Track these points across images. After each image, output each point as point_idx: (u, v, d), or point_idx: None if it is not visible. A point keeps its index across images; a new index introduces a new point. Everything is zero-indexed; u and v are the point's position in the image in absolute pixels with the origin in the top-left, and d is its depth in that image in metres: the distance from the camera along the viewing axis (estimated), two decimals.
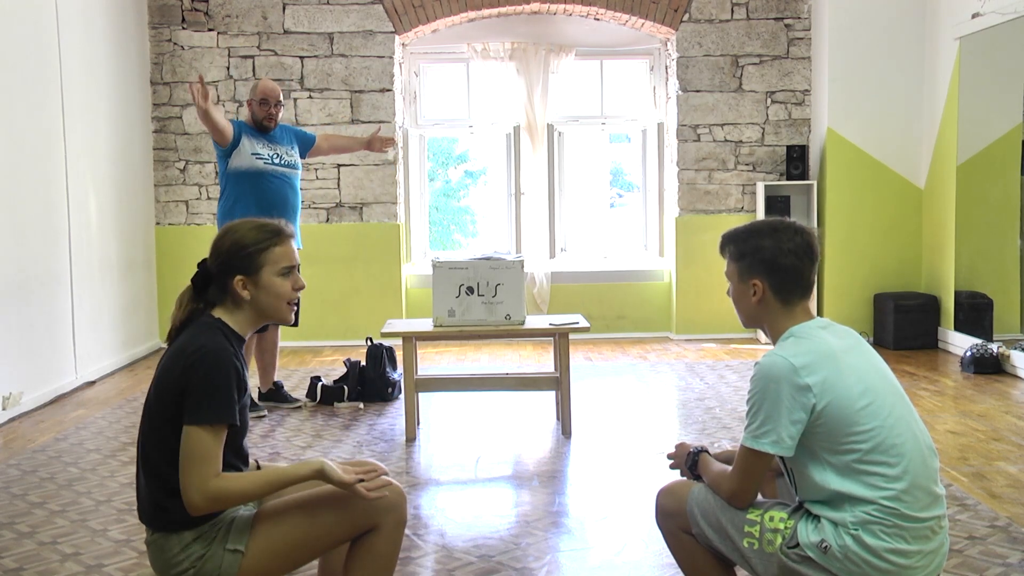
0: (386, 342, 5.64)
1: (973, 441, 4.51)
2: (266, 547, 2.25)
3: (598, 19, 7.82)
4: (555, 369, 4.91)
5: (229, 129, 5.06)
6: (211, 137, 5.17)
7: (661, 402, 5.60)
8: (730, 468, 2.27)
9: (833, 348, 2.19)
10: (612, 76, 8.12)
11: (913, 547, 2.08)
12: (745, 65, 7.66)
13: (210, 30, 7.55)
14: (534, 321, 4.89)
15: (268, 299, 2.35)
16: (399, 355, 5.38)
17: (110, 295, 6.71)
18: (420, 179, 8.08)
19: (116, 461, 4.39)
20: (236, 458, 2.30)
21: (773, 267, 2.26)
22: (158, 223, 7.65)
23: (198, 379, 2.17)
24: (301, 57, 7.59)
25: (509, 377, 5.17)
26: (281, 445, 4.65)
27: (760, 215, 7.48)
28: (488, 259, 4.68)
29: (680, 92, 7.68)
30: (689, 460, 2.44)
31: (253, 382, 5.45)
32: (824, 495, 2.14)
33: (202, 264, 2.37)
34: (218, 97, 7.53)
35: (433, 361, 6.94)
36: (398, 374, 5.65)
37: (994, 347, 6.12)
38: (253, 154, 5.13)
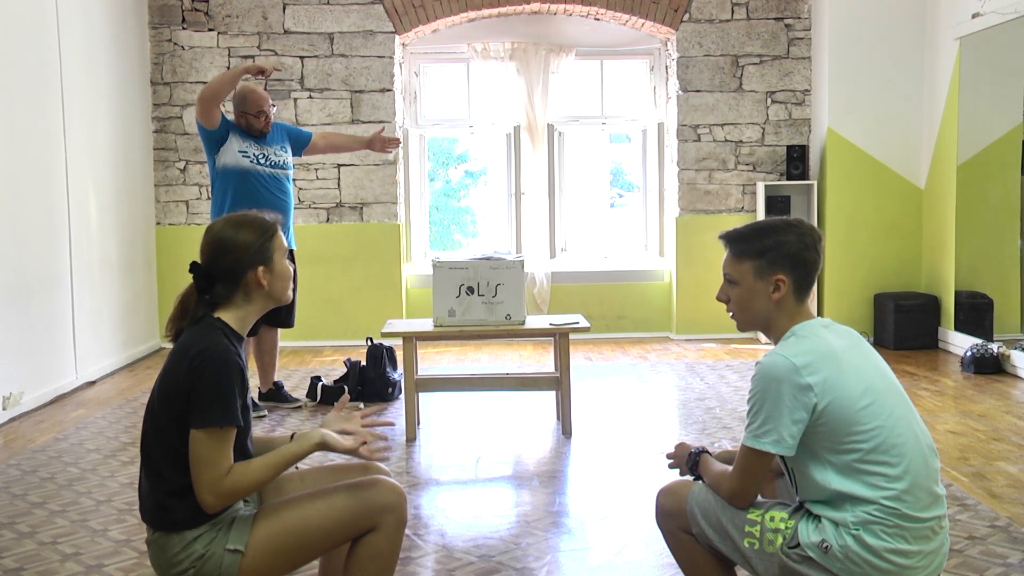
0: (386, 342, 5.64)
1: (973, 441, 4.51)
2: (266, 547, 2.25)
3: (598, 19, 7.83)
4: (555, 369, 4.91)
5: (216, 110, 5.02)
6: (199, 118, 5.07)
7: (661, 402, 5.59)
8: (731, 468, 2.27)
9: (834, 348, 2.19)
10: (612, 76, 8.12)
11: (914, 547, 2.08)
12: (745, 65, 7.66)
13: (210, 30, 7.56)
14: (534, 321, 4.89)
15: (280, 283, 2.41)
16: (399, 355, 5.38)
17: (110, 295, 6.71)
18: (420, 179, 8.08)
19: (116, 461, 4.39)
20: (242, 457, 2.31)
21: (798, 261, 2.26)
22: (158, 223, 7.65)
23: (204, 382, 2.18)
24: (301, 57, 7.59)
25: (509, 377, 5.17)
26: None
27: (760, 215, 7.48)
28: (488, 259, 4.68)
29: (680, 92, 7.68)
30: (690, 460, 2.43)
31: (253, 382, 5.45)
32: (825, 495, 2.14)
33: (199, 266, 2.36)
34: None
35: (433, 361, 6.94)
36: (398, 374, 5.65)
37: (994, 347, 6.12)
38: (240, 151, 5.09)
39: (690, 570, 2.40)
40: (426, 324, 4.83)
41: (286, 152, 5.29)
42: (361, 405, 5.47)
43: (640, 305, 7.95)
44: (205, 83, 7.50)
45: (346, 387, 5.53)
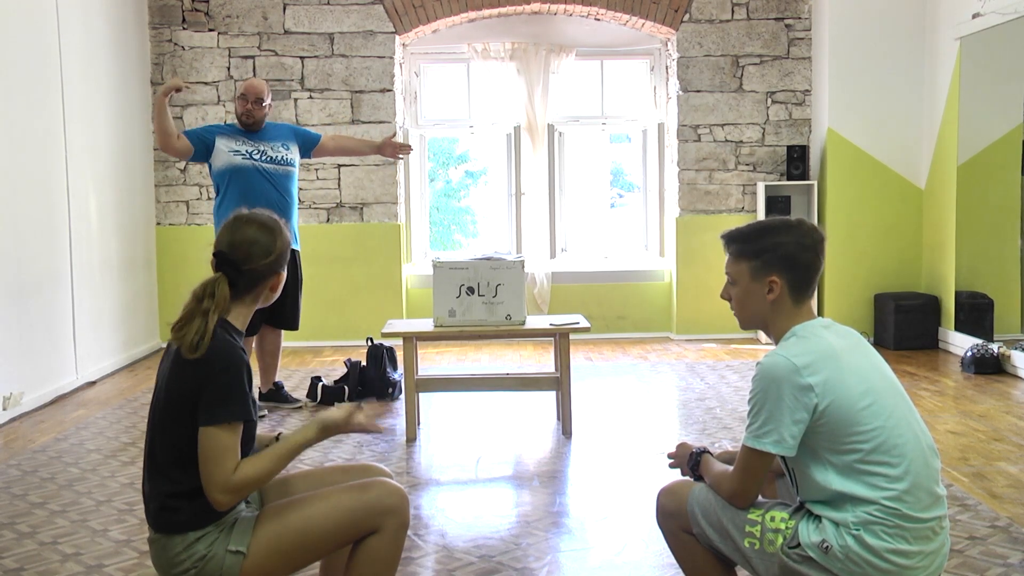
0: (386, 342, 5.64)
1: (974, 441, 4.51)
2: (268, 549, 2.25)
3: (598, 19, 7.82)
4: (555, 369, 4.91)
5: (176, 142, 5.12)
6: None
7: (661, 402, 5.59)
8: (731, 468, 2.27)
9: (835, 348, 2.19)
10: (612, 76, 8.12)
11: (914, 547, 2.08)
12: (746, 65, 7.66)
13: (210, 30, 7.56)
14: (534, 321, 4.89)
15: (278, 283, 2.43)
16: (399, 355, 5.38)
17: (110, 295, 6.71)
18: (421, 179, 8.08)
19: (116, 461, 4.39)
20: (246, 450, 2.31)
21: (793, 263, 2.25)
22: (158, 223, 7.65)
23: (213, 379, 2.18)
24: (301, 57, 7.59)
25: (509, 377, 5.17)
26: None
27: (761, 215, 7.48)
28: (489, 259, 4.68)
29: (680, 92, 7.68)
30: (691, 461, 2.43)
31: (254, 381, 5.44)
32: (825, 495, 2.14)
33: (228, 267, 2.32)
34: (218, 98, 7.53)
35: (433, 361, 6.94)
36: (398, 374, 5.65)
37: (995, 347, 6.12)
38: (231, 151, 5.12)
39: (690, 570, 2.40)
40: (426, 324, 4.83)
41: (287, 150, 5.25)
42: (362, 405, 5.46)
43: (640, 305, 7.95)
44: (205, 84, 7.54)
45: (346, 387, 5.53)
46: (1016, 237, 6.70)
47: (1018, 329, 6.58)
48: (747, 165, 7.73)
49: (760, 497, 2.29)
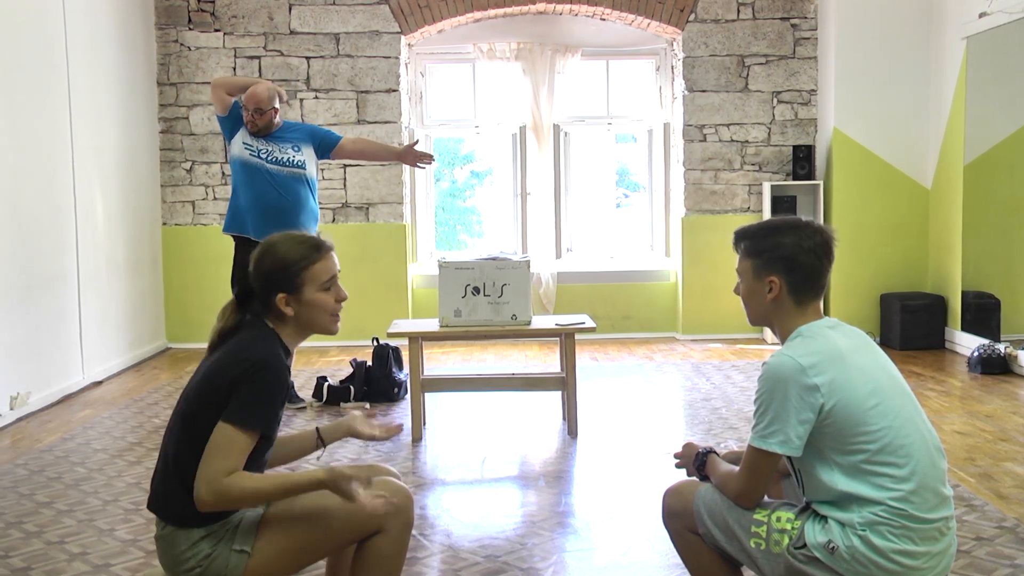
0: (392, 342, 5.65)
1: (980, 442, 4.49)
2: (272, 549, 2.25)
3: (604, 19, 7.82)
4: (561, 369, 4.91)
5: (226, 96, 5.27)
6: (213, 101, 5.42)
7: (667, 402, 5.59)
8: (737, 468, 2.27)
9: (841, 348, 2.18)
10: (618, 76, 8.11)
11: (920, 548, 2.07)
12: (751, 65, 7.65)
13: (216, 31, 7.57)
14: (540, 321, 4.89)
15: (311, 314, 2.36)
16: (405, 355, 5.38)
17: (117, 295, 6.72)
18: (426, 179, 8.08)
19: (123, 461, 4.40)
20: (254, 464, 2.31)
21: (791, 265, 2.25)
22: (164, 223, 7.66)
23: (254, 386, 2.19)
24: (307, 57, 7.60)
25: (515, 377, 5.17)
26: None
27: (767, 215, 7.47)
28: (494, 259, 4.68)
29: (686, 92, 7.67)
30: (697, 460, 2.43)
31: None
32: (831, 495, 2.13)
33: (245, 280, 2.37)
34: None
35: (439, 361, 6.94)
36: (404, 374, 5.65)
37: (1001, 347, 6.10)
38: (244, 144, 5.19)
39: (696, 570, 2.39)
40: (432, 324, 4.83)
41: (298, 152, 5.22)
42: (367, 405, 5.47)
43: (646, 305, 7.95)
44: (209, 83, 7.54)
45: (352, 387, 5.53)
46: (1023, 237, 6.68)
47: None
48: (753, 165, 7.72)
49: (766, 497, 2.29)
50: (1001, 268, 6.99)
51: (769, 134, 7.71)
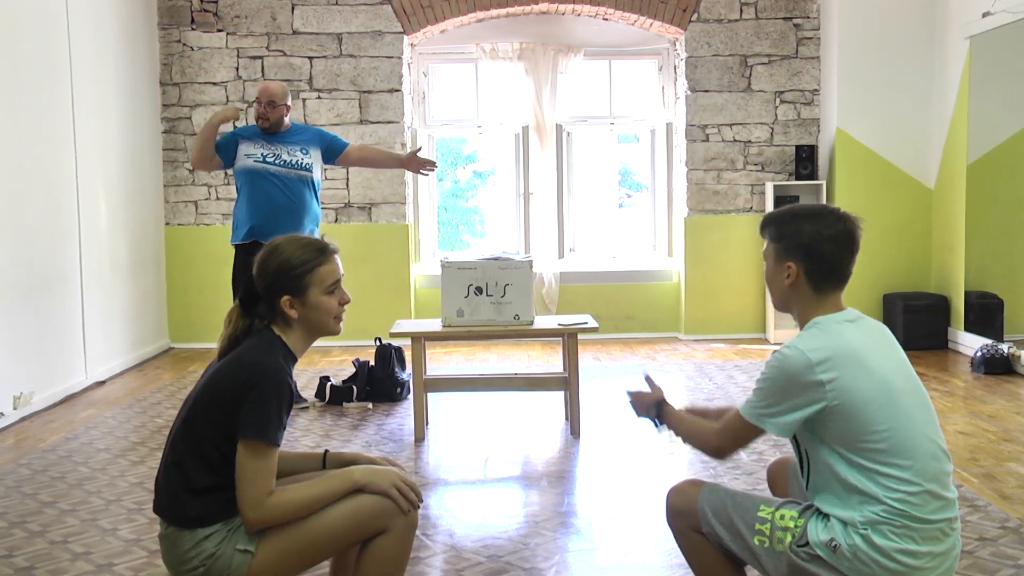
0: (395, 342, 5.64)
1: (983, 442, 4.49)
2: (276, 549, 2.26)
3: (606, 19, 7.82)
4: (564, 369, 4.91)
5: (211, 164, 5.28)
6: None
7: (670, 402, 5.57)
8: (711, 423, 2.36)
9: (855, 346, 2.17)
10: (621, 76, 8.11)
11: (923, 548, 2.07)
12: (754, 65, 7.65)
13: (219, 31, 7.57)
14: (543, 321, 4.89)
15: (316, 316, 2.38)
16: (408, 355, 5.39)
17: (120, 295, 6.73)
18: (429, 179, 8.07)
19: (126, 461, 4.41)
20: None
21: (809, 252, 2.25)
22: (167, 223, 7.66)
23: (257, 397, 2.21)
24: (310, 58, 7.60)
25: (518, 377, 5.17)
26: (289, 446, 4.66)
27: None
28: (497, 259, 4.68)
29: (689, 92, 7.67)
30: (653, 410, 2.51)
31: None
32: (836, 485, 2.14)
33: (249, 282, 2.39)
34: (227, 98, 7.55)
35: (442, 361, 6.94)
36: (407, 374, 5.65)
37: (1005, 347, 6.09)
38: (245, 154, 5.20)
39: (700, 570, 2.39)
40: (434, 324, 4.83)
41: (306, 154, 5.23)
42: (369, 406, 5.47)
43: (648, 305, 7.94)
44: (213, 84, 7.55)
45: (355, 387, 5.53)
46: None
47: None
48: (755, 165, 7.72)
49: (772, 495, 2.30)
50: (1004, 268, 6.98)
51: (772, 134, 7.70)
